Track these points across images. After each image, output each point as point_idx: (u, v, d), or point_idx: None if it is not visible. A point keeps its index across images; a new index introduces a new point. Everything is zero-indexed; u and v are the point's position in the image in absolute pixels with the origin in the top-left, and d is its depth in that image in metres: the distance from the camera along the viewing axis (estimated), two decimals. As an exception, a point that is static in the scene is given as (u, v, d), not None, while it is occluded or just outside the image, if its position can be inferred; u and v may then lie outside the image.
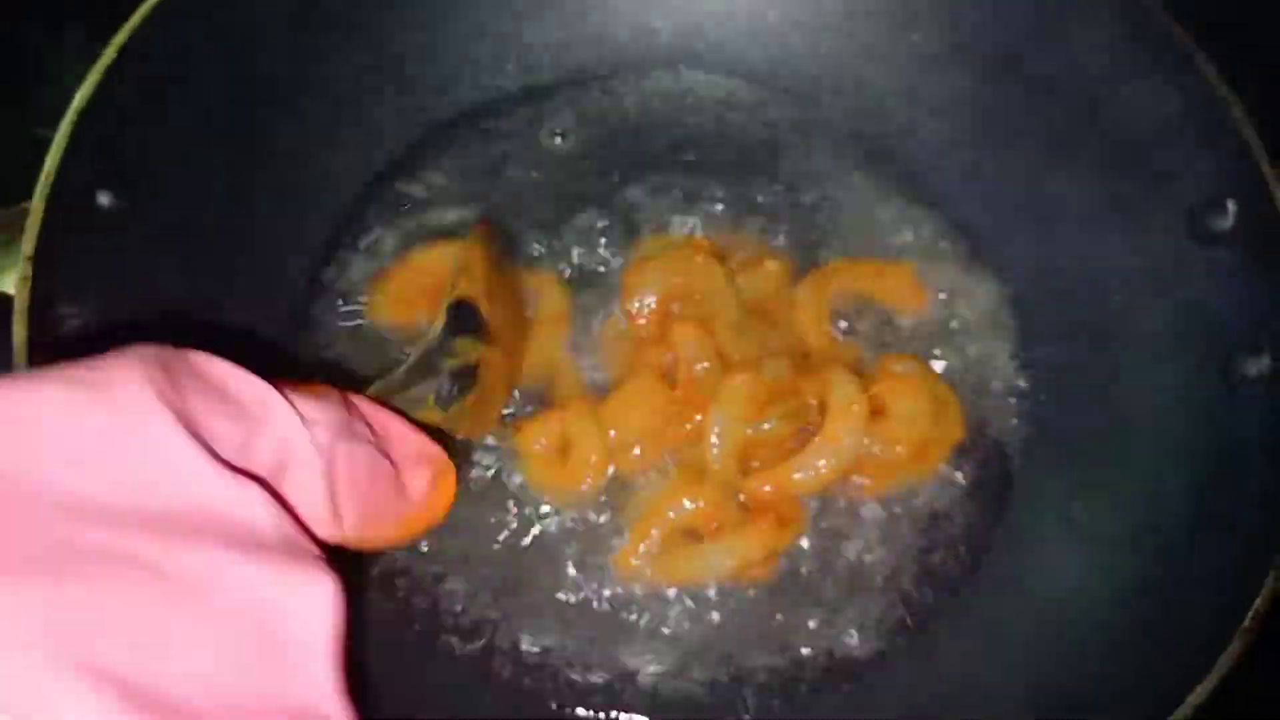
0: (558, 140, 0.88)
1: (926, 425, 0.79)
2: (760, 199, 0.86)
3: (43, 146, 1.06)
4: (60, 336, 0.62)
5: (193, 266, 0.74)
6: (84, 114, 0.66)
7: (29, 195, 0.97)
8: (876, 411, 0.78)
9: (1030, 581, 0.74)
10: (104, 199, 0.67)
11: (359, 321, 0.81)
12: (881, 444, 0.78)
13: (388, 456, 0.46)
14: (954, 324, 0.84)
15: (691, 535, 0.76)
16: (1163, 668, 0.61)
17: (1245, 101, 0.70)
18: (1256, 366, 0.68)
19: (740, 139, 0.89)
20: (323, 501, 0.40)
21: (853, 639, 0.74)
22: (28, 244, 0.62)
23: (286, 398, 0.39)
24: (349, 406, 0.44)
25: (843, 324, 0.82)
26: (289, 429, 0.39)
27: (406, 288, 0.82)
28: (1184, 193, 0.73)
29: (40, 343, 0.61)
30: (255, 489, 0.36)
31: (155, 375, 0.35)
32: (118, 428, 0.34)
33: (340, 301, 0.82)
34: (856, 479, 0.78)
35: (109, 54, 0.67)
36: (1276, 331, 0.67)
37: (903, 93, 0.88)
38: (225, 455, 0.36)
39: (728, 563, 0.75)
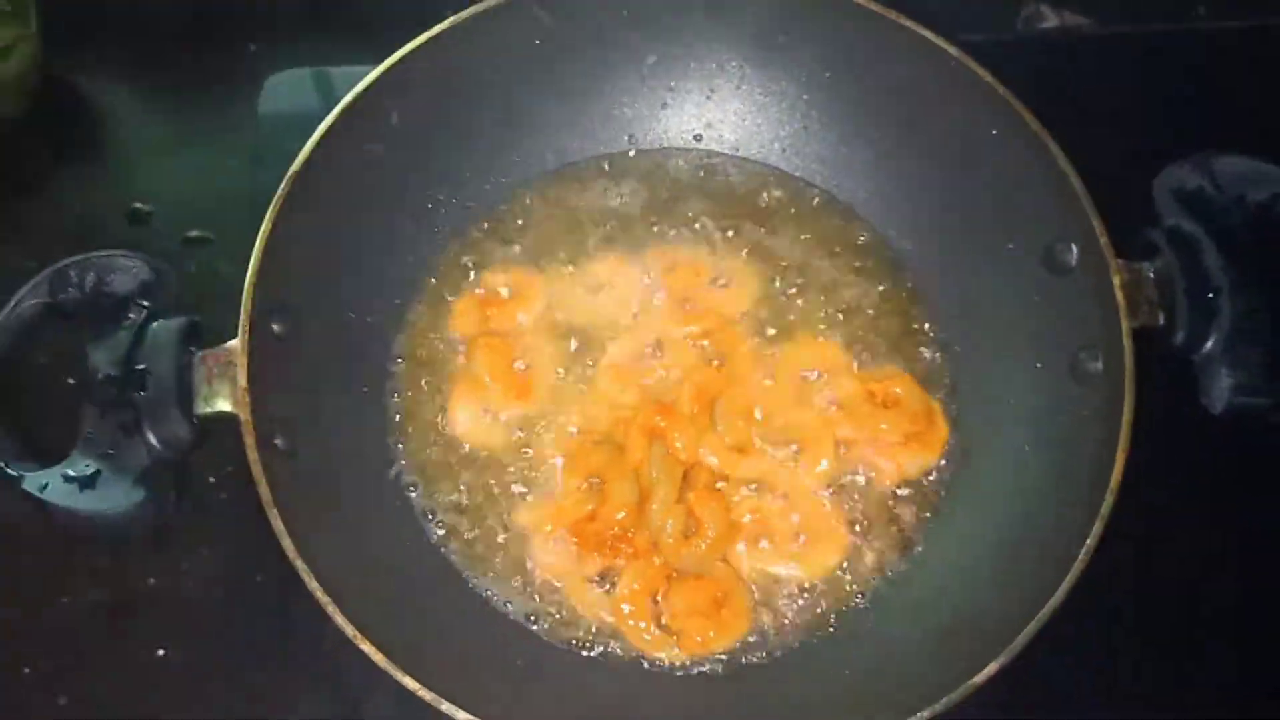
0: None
1: (926, 412, 1.04)
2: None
3: (141, 216, 1.25)
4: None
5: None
6: (257, 272, 0.92)
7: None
8: (886, 404, 1.04)
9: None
10: (276, 326, 0.94)
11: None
12: (895, 426, 1.02)
13: None
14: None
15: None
16: (1021, 592, 0.85)
17: (1080, 165, 0.95)
18: (1094, 366, 0.94)
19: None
20: None
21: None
22: (241, 375, 0.89)
23: None
24: None
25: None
26: None
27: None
28: (1041, 236, 1.00)
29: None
30: None
31: None
32: None
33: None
34: (880, 462, 1.02)
35: (265, 228, 0.93)
36: (1108, 343, 0.91)
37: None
38: None
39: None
